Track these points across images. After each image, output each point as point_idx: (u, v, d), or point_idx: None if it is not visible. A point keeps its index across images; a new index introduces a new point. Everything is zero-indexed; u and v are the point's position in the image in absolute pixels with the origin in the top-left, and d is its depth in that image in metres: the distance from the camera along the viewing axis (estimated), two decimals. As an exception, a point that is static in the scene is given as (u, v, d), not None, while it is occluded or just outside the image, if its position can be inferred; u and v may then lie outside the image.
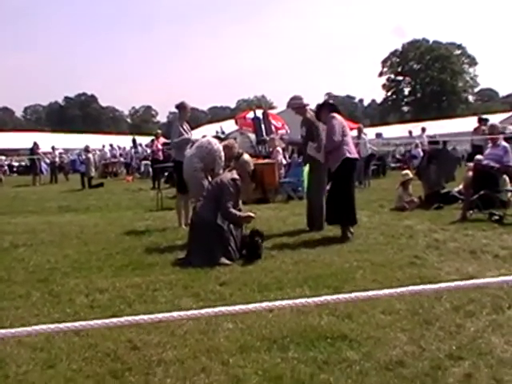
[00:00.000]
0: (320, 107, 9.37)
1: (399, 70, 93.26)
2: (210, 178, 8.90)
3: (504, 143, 10.72)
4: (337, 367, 3.80)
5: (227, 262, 7.02)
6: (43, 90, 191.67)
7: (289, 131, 22.85)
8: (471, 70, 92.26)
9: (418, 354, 3.97)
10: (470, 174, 10.60)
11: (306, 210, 9.69)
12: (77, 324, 2.41)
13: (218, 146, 9.10)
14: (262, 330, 4.55)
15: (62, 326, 2.42)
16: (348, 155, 8.69)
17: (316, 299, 2.71)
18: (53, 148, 33.02)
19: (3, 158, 38.35)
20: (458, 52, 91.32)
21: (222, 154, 8.91)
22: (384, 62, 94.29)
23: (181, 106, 10.52)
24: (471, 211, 10.01)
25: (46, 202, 17.29)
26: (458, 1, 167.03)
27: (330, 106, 9.34)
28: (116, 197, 18.35)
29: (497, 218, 9.48)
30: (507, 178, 10.75)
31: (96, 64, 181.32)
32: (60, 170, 31.97)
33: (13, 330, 2.29)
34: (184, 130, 10.30)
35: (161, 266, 7.00)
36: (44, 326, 2.36)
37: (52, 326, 2.39)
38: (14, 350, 4.30)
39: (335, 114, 8.96)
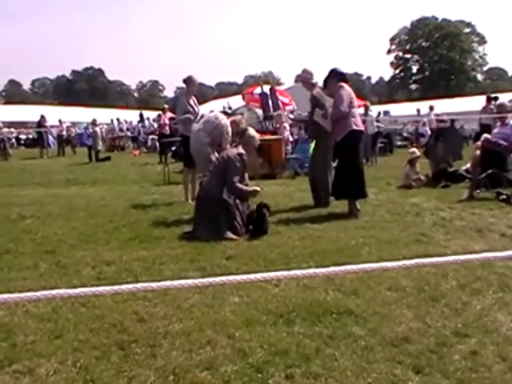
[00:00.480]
0: (328, 75, 9.08)
1: (407, 47, 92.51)
2: (216, 153, 8.87)
3: (512, 122, 10.63)
4: (342, 342, 3.81)
5: (233, 236, 7.03)
6: (51, 63, 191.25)
7: (296, 107, 22.79)
8: (480, 48, 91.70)
9: (423, 330, 3.98)
10: (478, 152, 10.53)
11: (310, 186, 9.67)
12: (85, 290, 2.42)
13: (226, 121, 9.06)
14: (268, 304, 4.56)
15: (70, 291, 2.44)
16: (354, 127, 8.62)
17: (324, 270, 2.70)
18: (60, 121, 32.98)
19: (12, 130, 38.30)
20: (467, 30, 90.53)
21: (229, 129, 8.88)
22: (392, 40, 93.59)
23: (188, 80, 10.48)
24: (478, 190, 9.96)
25: (54, 174, 17.35)
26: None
27: (339, 75, 9.04)
28: (123, 170, 18.39)
29: (504, 197, 9.44)
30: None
31: (103, 38, 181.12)
32: (67, 144, 31.94)
33: (22, 295, 2.29)
34: (191, 104, 10.27)
35: (167, 240, 7.02)
36: (53, 292, 2.38)
37: (60, 291, 2.40)
38: (21, 319, 4.34)
39: (344, 84, 8.81)
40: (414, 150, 12.94)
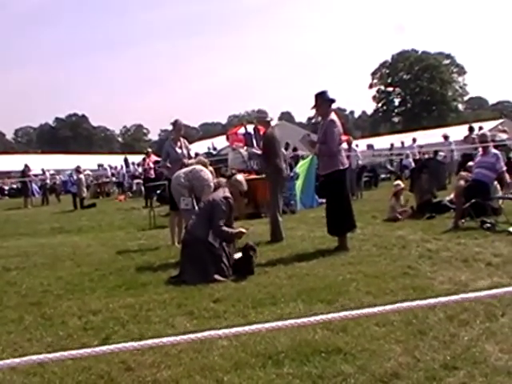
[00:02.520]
0: (319, 97, 8.85)
1: (389, 81, 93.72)
2: (195, 201, 9.01)
3: (494, 150, 10.76)
4: (332, 381, 3.79)
5: (221, 278, 7.01)
6: (33, 112, 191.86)
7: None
8: (460, 78, 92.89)
9: (412, 365, 3.96)
10: (462, 182, 10.64)
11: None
12: (65, 354, 2.40)
13: (209, 176, 9.19)
14: (257, 346, 4.53)
15: (50, 356, 2.42)
16: (340, 167, 8.69)
17: (312, 319, 2.70)
18: (43, 170, 32.98)
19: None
20: (446, 62, 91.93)
21: (212, 184, 8.96)
22: (374, 74, 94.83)
23: (174, 124, 10.59)
24: (463, 220, 10.04)
25: (38, 224, 17.24)
26: (445, 11, 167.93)
27: (329, 100, 8.89)
28: (108, 217, 18.32)
29: (488, 225, 9.51)
30: (498, 186, 10.80)
31: (86, 84, 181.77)
32: (51, 192, 31.81)
33: (8, 361, 2.27)
34: (177, 147, 10.33)
35: (154, 285, 6.97)
36: (41, 356, 2.36)
37: (41, 356, 2.38)
38: (6, 375, 4.27)
39: (335, 118, 8.77)
40: (399, 182, 13.07)
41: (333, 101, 8.98)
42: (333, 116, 8.81)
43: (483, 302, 5.24)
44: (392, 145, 30.57)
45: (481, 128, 19.90)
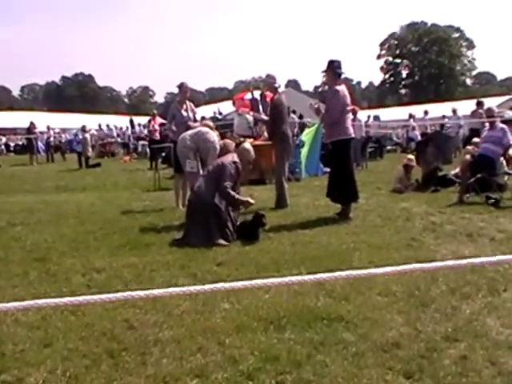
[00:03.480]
0: (327, 66, 8.91)
1: (397, 52, 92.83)
2: (200, 164, 9.05)
3: (501, 125, 10.69)
4: (333, 348, 3.81)
5: (224, 242, 7.03)
6: (40, 69, 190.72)
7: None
8: (469, 53, 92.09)
9: (413, 335, 3.99)
10: (468, 157, 10.60)
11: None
12: (72, 299, 2.41)
13: (215, 138, 9.15)
14: (259, 310, 4.56)
15: (57, 300, 2.42)
16: (344, 136, 8.71)
17: (312, 277, 2.71)
18: (48, 127, 32.89)
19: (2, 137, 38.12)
20: (456, 35, 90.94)
21: (218, 146, 8.93)
22: (382, 45, 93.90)
23: (180, 87, 10.50)
24: (468, 194, 10.02)
25: (43, 181, 17.27)
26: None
27: (336, 72, 8.91)
28: (113, 177, 18.32)
29: (493, 201, 9.50)
30: (504, 161, 10.75)
31: (93, 44, 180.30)
32: (57, 150, 31.76)
33: (8, 305, 2.28)
34: (183, 110, 10.27)
35: (158, 246, 7.00)
36: (40, 301, 2.36)
37: (48, 300, 2.38)
38: (10, 328, 4.32)
39: (339, 88, 8.78)
40: (412, 157, 12.85)
41: (340, 74, 9.04)
42: (338, 86, 8.84)
43: (486, 276, 5.27)
44: (410, 115, 30.04)
45: (481, 103, 19.66)
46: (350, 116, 9.47)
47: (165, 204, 10.65)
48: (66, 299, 2.43)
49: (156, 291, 2.52)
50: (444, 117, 26.36)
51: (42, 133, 32.97)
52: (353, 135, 9.01)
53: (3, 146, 39.22)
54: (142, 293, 2.44)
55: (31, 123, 29.61)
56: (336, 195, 8.88)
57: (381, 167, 18.88)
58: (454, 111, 24.09)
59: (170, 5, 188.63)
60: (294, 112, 22.35)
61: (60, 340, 4.08)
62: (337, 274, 2.68)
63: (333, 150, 8.92)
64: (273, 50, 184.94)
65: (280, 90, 10.53)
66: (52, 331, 4.24)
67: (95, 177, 18.42)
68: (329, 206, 9.28)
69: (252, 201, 7.75)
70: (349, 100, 8.97)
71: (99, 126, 39.42)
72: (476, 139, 11.88)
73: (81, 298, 2.37)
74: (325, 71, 8.99)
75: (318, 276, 2.65)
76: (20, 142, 40.79)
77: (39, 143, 31.92)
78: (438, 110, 35.05)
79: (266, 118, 11.00)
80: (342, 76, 9.18)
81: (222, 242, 7.03)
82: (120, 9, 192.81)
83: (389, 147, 28.62)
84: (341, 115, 8.74)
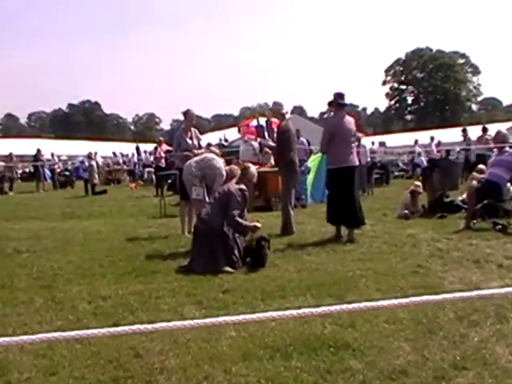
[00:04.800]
0: (335, 95, 9.49)
1: (402, 78, 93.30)
2: (205, 191, 9.14)
3: (510, 149, 10.69)
4: (340, 376, 3.79)
5: (230, 270, 7.02)
6: (47, 97, 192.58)
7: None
8: (475, 78, 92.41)
9: (421, 363, 3.95)
10: (474, 183, 10.58)
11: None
12: (80, 332, 2.41)
13: (221, 164, 9.23)
14: (265, 338, 4.53)
15: (65, 334, 2.42)
16: (329, 166, 9.42)
17: (320, 309, 2.71)
18: (52, 154, 33.13)
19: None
20: (461, 61, 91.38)
21: (224, 173, 8.98)
22: (387, 71, 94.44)
23: (186, 114, 10.58)
24: (475, 220, 9.98)
25: (50, 208, 17.32)
26: (461, 10, 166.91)
27: (337, 103, 9.47)
28: (119, 203, 18.36)
29: (500, 227, 9.46)
30: (511, 187, 10.73)
31: (100, 71, 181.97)
32: (66, 183, 31.60)
33: (16, 338, 2.28)
34: (188, 137, 10.34)
35: (164, 274, 6.99)
36: (48, 335, 2.37)
37: (56, 334, 2.38)
38: (16, 356, 4.30)
39: (331, 121, 9.57)
40: (419, 184, 12.82)
41: (342, 104, 9.52)
42: (334, 116, 9.59)
43: (494, 303, 5.22)
44: (416, 141, 30.26)
45: (486, 129, 19.78)
46: (353, 145, 9.62)
47: (170, 231, 10.66)
48: (74, 333, 2.43)
49: (164, 324, 2.51)
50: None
51: (48, 160, 33.16)
52: (345, 164, 9.24)
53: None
54: (150, 326, 2.44)
55: (38, 150, 29.80)
56: (337, 218, 9.23)
57: (387, 193, 18.88)
58: (465, 134, 24.01)
59: (176, 32, 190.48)
60: (298, 134, 22.23)
61: (66, 368, 4.06)
62: (344, 306, 2.68)
63: (330, 176, 9.44)
64: (278, 76, 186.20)
65: (287, 116, 10.59)
66: (58, 359, 4.22)
67: (101, 204, 18.45)
68: (334, 232, 9.29)
69: (259, 225, 7.76)
70: (345, 129, 9.30)
71: (113, 154, 39.58)
72: (481, 166, 11.87)
73: (89, 332, 2.37)
74: (329, 103, 9.52)
75: (325, 308, 2.65)
76: (27, 169, 40.97)
77: (46, 170, 32.08)
78: (445, 135, 35.15)
79: (272, 144, 11.06)
80: (347, 105, 9.67)
81: (228, 269, 7.02)
82: (125, 36, 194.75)
83: (395, 173, 28.64)
84: (328, 145, 9.25)
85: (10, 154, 29.22)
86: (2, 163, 29.59)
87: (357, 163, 9.46)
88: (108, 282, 6.67)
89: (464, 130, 22.09)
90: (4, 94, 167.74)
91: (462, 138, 23.97)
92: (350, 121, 9.44)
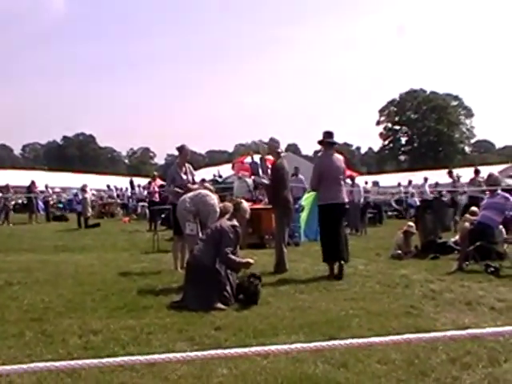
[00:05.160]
0: (324, 133, 9.83)
1: (396, 119, 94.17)
2: (199, 227, 9.15)
3: (502, 192, 10.78)
4: (332, 417, 3.76)
5: (223, 306, 7.00)
6: (41, 129, 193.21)
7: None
8: (468, 121, 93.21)
9: (413, 405, 3.94)
10: (467, 224, 10.64)
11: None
12: (72, 362, 2.41)
13: (215, 201, 9.28)
14: (257, 376, 4.51)
15: (57, 364, 2.41)
16: (320, 203, 9.70)
17: (312, 345, 2.71)
18: (46, 186, 33.12)
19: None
20: (454, 103, 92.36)
21: (218, 209, 9.03)
22: (381, 111, 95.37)
23: (180, 149, 10.65)
24: (467, 262, 10.01)
25: (42, 240, 17.26)
26: (455, 52, 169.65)
27: (326, 141, 9.80)
28: (112, 237, 18.31)
29: (493, 269, 9.47)
30: (503, 229, 10.79)
31: (94, 105, 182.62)
32: (60, 218, 31.45)
33: (8, 367, 2.27)
34: (182, 172, 10.39)
35: (156, 309, 6.96)
36: (40, 364, 2.36)
37: (48, 363, 2.38)
38: (5, 390, 4.26)
39: (320, 160, 9.92)
40: (413, 224, 12.88)
41: (331, 143, 9.88)
42: (324, 154, 9.90)
43: (486, 346, 5.22)
44: (410, 181, 30.60)
45: (478, 171, 19.95)
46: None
47: (163, 266, 10.62)
48: (65, 362, 2.42)
49: (156, 356, 2.51)
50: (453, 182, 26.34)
51: (42, 192, 33.13)
52: (334, 201, 9.50)
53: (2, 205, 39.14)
54: (142, 358, 2.44)
55: (32, 182, 29.80)
56: (326, 255, 9.46)
57: (380, 233, 18.91)
58: (458, 178, 24.09)
59: (170, 67, 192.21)
60: (296, 172, 22.16)
61: (55, 403, 4.02)
62: (336, 342, 2.68)
63: (320, 212, 9.74)
64: (273, 113, 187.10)
65: (282, 154, 10.68)
66: (47, 395, 4.18)
67: (94, 237, 18.39)
68: (327, 271, 9.30)
69: (252, 261, 7.78)
70: (334, 166, 9.59)
71: (107, 186, 39.58)
72: (474, 208, 11.95)
73: (81, 362, 2.36)
74: (319, 142, 9.85)
75: (317, 344, 2.65)
76: (20, 201, 40.87)
77: (39, 202, 32.02)
78: (438, 176, 35.37)
79: (266, 181, 11.13)
80: (335, 143, 10.01)
81: (220, 305, 7.00)
82: (120, 70, 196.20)
83: (389, 213, 28.73)
84: (317, 182, 9.57)
85: (7, 185, 29.21)
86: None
87: (345, 200, 9.76)
88: (99, 316, 6.63)
89: (450, 172, 22.29)
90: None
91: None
92: (338, 158, 9.70)
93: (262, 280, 7.83)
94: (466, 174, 24.32)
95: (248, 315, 6.65)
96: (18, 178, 45.83)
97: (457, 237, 11.79)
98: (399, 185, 32.21)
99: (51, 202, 32.20)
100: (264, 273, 9.10)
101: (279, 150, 10.32)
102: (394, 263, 11.02)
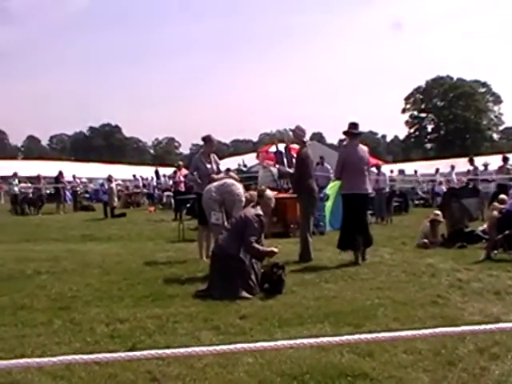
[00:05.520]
0: (350, 124, 9.93)
1: (422, 106, 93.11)
2: (224, 216, 9.23)
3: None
4: (357, 406, 3.75)
5: (248, 295, 7.01)
6: (69, 119, 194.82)
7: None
8: (496, 108, 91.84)
9: (440, 395, 3.91)
10: (495, 213, 10.50)
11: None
12: (100, 356, 2.43)
13: (241, 190, 9.28)
14: (282, 365, 4.51)
15: (85, 357, 2.44)
16: (343, 192, 9.98)
17: (337, 338, 2.70)
18: (74, 177, 33.45)
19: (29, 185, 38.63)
20: (482, 90, 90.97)
21: (243, 198, 9.03)
22: (407, 99, 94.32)
23: (207, 139, 10.66)
24: (496, 251, 9.88)
25: (70, 230, 17.45)
26: (483, 38, 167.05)
27: (351, 132, 9.92)
28: (138, 227, 18.44)
29: (521, 258, 9.35)
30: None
31: (121, 95, 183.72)
32: (87, 207, 31.76)
33: (38, 360, 2.30)
34: (207, 162, 10.39)
35: (181, 298, 7.00)
36: (68, 357, 2.39)
37: (76, 356, 2.40)
38: (35, 377, 4.32)
39: (344, 150, 10.11)
40: (439, 213, 12.70)
41: (356, 134, 9.99)
42: (348, 144, 10.12)
43: (515, 336, 5.15)
44: (437, 169, 30.22)
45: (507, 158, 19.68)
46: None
47: (188, 255, 10.68)
48: (94, 356, 2.45)
49: (183, 350, 2.53)
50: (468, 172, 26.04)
51: (69, 182, 33.46)
52: (356, 191, 9.62)
53: (31, 195, 39.66)
54: (168, 351, 2.46)
55: (59, 172, 30.12)
56: (343, 243, 9.70)
57: (406, 222, 18.76)
58: (486, 166, 23.73)
59: (195, 55, 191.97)
60: (322, 161, 21.97)
61: (83, 390, 4.07)
62: (362, 336, 2.68)
63: (343, 201, 9.99)
64: (298, 102, 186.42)
65: (307, 143, 10.63)
66: (76, 381, 4.25)
67: (120, 227, 18.54)
68: (353, 260, 9.28)
69: (276, 250, 7.77)
70: (358, 157, 9.68)
71: (133, 176, 39.87)
72: (503, 196, 11.78)
73: (108, 355, 2.39)
74: (344, 132, 10.01)
75: (343, 338, 2.65)
76: (48, 191, 41.35)
77: (67, 192, 32.36)
78: (465, 164, 35.00)
79: (291, 170, 11.10)
80: (360, 134, 10.20)
81: (245, 294, 7.01)
82: (146, 61, 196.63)
83: (416, 202, 28.47)
84: (341, 172, 9.75)
85: (38, 176, 29.62)
86: (24, 184, 29.96)
87: (369, 191, 9.90)
88: (126, 305, 6.70)
89: (471, 160, 21.99)
90: (27, 116, 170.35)
91: (482, 168, 23.73)
92: (363, 149, 9.73)
93: (287, 269, 7.82)
94: (494, 161, 23.98)
95: (273, 304, 6.65)
96: (46, 168, 46.40)
97: (484, 225, 11.65)
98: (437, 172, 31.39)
99: (78, 192, 32.44)
100: (288, 262, 9.10)
101: (304, 139, 10.29)
102: (420, 252, 10.93)
